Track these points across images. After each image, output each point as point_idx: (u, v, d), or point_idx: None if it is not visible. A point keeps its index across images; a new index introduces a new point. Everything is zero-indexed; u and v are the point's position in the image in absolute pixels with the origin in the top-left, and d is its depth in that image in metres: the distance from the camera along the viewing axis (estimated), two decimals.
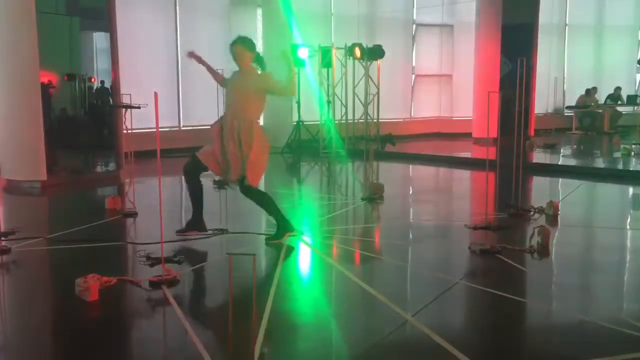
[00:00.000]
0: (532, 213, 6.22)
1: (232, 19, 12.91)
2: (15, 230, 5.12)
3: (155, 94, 3.89)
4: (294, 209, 7.04)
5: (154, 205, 4.31)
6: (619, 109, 16.57)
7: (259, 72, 5.20)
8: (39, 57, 7.90)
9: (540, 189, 8.36)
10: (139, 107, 6.41)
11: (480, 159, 9.06)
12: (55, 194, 8.02)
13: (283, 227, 5.19)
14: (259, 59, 5.23)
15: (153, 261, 4.23)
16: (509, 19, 12.72)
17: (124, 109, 6.67)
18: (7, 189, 8.05)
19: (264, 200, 5.30)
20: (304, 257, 5.07)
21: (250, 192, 5.18)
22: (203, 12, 12.46)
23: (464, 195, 8.58)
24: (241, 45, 5.08)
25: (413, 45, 15.61)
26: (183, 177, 5.42)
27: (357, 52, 11.87)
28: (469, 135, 13.37)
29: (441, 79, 15.94)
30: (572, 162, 11.62)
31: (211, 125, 5.27)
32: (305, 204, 7.60)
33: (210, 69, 5.59)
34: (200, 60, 5.46)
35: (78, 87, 8.96)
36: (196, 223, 5.33)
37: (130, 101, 6.42)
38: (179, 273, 4.19)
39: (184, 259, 4.46)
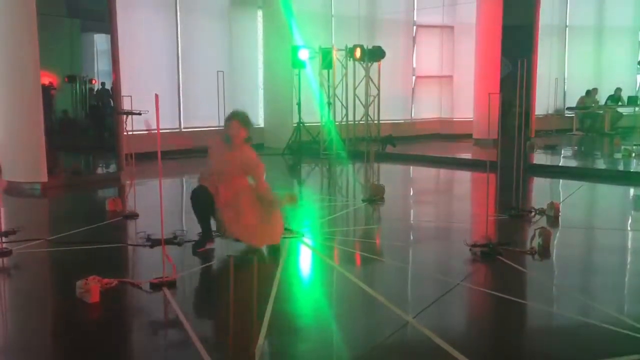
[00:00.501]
0: (532, 214, 6.21)
1: (232, 21, 12.92)
2: (17, 230, 5.11)
3: (156, 95, 3.89)
4: (295, 211, 7.04)
5: (155, 206, 4.32)
6: (620, 110, 16.57)
7: (248, 149, 4.98)
8: (40, 58, 7.90)
9: (541, 190, 8.36)
10: (139, 114, 6.41)
11: (481, 160, 9.06)
12: (56, 195, 8.02)
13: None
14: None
15: (153, 242, 4.23)
16: (509, 20, 12.70)
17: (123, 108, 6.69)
18: (8, 190, 8.04)
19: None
20: (305, 259, 5.06)
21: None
22: (203, 14, 12.46)
23: (464, 196, 8.57)
24: (237, 121, 4.93)
25: (413, 46, 15.61)
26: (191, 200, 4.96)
27: (358, 53, 11.88)
28: (469, 136, 13.37)
29: (442, 80, 15.93)
30: (572, 163, 11.61)
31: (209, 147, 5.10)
32: (305, 206, 7.60)
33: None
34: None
35: (79, 88, 8.96)
36: (208, 237, 5.04)
37: (132, 103, 6.43)
38: (179, 274, 4.19)
39: (183, 241, 4.45)
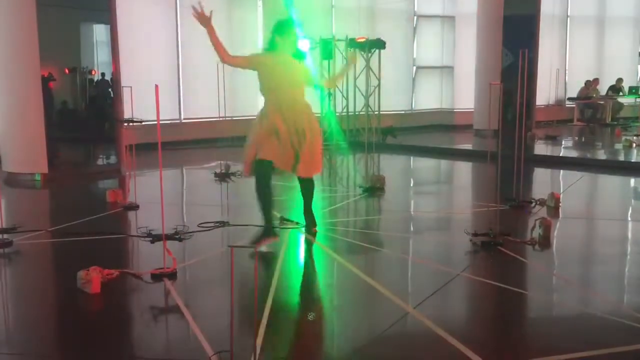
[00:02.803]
0: (533, 205, 6.21)
1: (232, 11, 12.86)
2: (17, 226, 5.11)
3: (156, 86, 3.88)
4: (295, 201, 7.04)
5: (155, 198, 4.32)
6: (621, 100, 16.53)
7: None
8: (40, 49, 7.88)
9: (541, 181, 8.35)
10: (140, 122, 6.40)
11: (481, 150, 9.05)
12: (56, 186, 8.02)
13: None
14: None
15: (154, 238, 4.24)
16: (510, 10, 12.67)
17: (123, 100, 6.67)
18: (8, 181, 8.05)
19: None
20: (305, 250, 5.07)
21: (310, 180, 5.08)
22: (203, 4, 12.38)
23: (465, 187, 8.57)
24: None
25: (414, 36, 15.55)
26: (256, 188, 4.82)
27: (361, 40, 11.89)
28: (470, 127, 13.35)
29: (442, 71, 15.90)
30: (573, 153, 11.60)
31: (260, 119, 4.93)
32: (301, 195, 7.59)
33: (217, 42, 4.95)
34: (206, 21, 4.91)
35: (79, 79, 8.95)
36: (270, 231, 4.91)
37: (131, 94, 6.39)
38: (179, 265, 4.19)
39: (184, 237, 4.46)
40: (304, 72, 4.97)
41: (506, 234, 4.90)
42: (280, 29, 4.85)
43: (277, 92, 4.84)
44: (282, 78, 4.81)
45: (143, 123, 6.54)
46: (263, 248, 4.69)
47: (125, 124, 6.65)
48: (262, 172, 4.76)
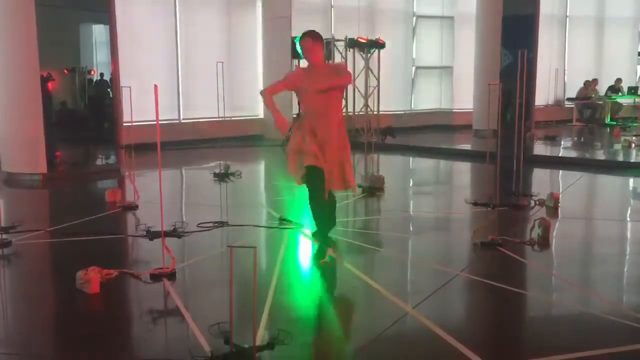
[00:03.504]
0: (532, 206, 6.21)
1: (231, 11, 12.87)
2: (16, 225, 5.11)
3: (155, 86, 3.88)
4: (294, 201, 7.04)
5: (155, 198, 4.31)
6: (620, 100, 16.54)
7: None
8: (39, 49, 7.88)
9: (540, 181, 8.36)
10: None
11: (481, 151, 9.05)
12: (56, 186, 8.02)
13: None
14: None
15: (152, 235, 4.24)
16: (509, 11, 12.67)
17: (122, 100, 6.66)
18: (8, 181, 8.04)
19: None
20: (305, 250, 5.07)
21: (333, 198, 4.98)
22: (202, 4, 12.40)
23: (464, 187, 8.57)
24: (309, 37, 4.72)
25: (413, 37, 15.56)
26: (315, 198, 4.83)
27: (363, 40, 11.89)
28: (469, 127, 13.35)
29: (442, 71, 15.90)
30: (572, 153, 11.61)
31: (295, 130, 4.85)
32: (305, 196, 7.59)
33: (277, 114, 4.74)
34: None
35: (78, 79, 8.94)
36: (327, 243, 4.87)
37: (130, 94, 6.38)
38: (181, 265, 4.19)
39: (183, 234, 4.47)
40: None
41: (506, 204, 4.81)
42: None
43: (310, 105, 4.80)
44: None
45: (142, 123, 6.54)
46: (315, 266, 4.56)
47: (122, 100, 6.65)
48: (314, 177, 4.72)
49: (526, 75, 6.27)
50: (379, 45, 11.98)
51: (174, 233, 4.51)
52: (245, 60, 13.17)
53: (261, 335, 3.10)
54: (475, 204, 4.78)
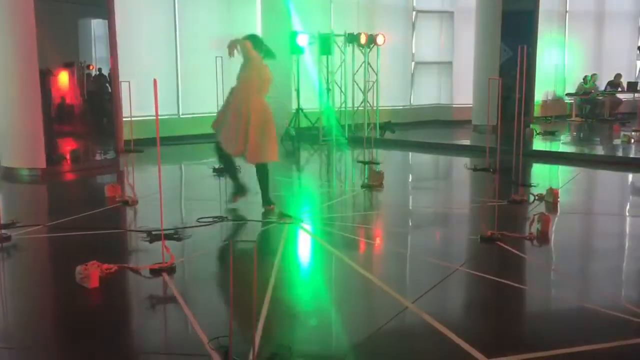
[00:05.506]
0: (532, 200, 6.22)
1: (231, 6, 12.83)
2: (16, 221, 5.11)
3: (155, 81, 3.87)
4: (294, 197, 7.04)
5: (154, 193, 4.31)
6: (619, 95, 16.52)
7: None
8: (37, 44, 7.86)
9: (539, 176, 8.35)
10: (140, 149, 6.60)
11: (480, 146, 9.05)
12: (55, 182, 8.01)
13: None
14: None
15: (152, 238, 4.24)
16: (509, 6, 12.65)
17: (122, 94, 6.64)
18: (7, 176, 8.04)
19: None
20: (304, 245, 5.07)
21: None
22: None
23: (463, 182, 8.57)
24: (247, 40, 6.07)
25: (413, 32, 15.53)
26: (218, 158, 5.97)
27: (363, 39, 11.84)
28: (468, 122, 13.35)
29: (441, 66, 15.88)
30: (571, 149, 11.61)
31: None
32: (304, 192, 7.61)
33: None
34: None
35: (77, 74, 8.91)
36: (241, 190, 5.89)
37: (129, 88, 6.36)
38: (180, 260, 4.20)
39: (183, 237, 4.47)
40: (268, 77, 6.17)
41: (505, 229, 4.90)
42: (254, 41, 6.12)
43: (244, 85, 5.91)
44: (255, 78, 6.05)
45: (141, 118, 6.53)
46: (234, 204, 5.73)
47: (122, 94, 6.67)
48: (220, 154, 5.86)
49: (526, 70, 6.27)
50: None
51: (174, 236, 4.49)
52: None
53: (260, 330, 3.10)
54: (475, 169, 4.82)
